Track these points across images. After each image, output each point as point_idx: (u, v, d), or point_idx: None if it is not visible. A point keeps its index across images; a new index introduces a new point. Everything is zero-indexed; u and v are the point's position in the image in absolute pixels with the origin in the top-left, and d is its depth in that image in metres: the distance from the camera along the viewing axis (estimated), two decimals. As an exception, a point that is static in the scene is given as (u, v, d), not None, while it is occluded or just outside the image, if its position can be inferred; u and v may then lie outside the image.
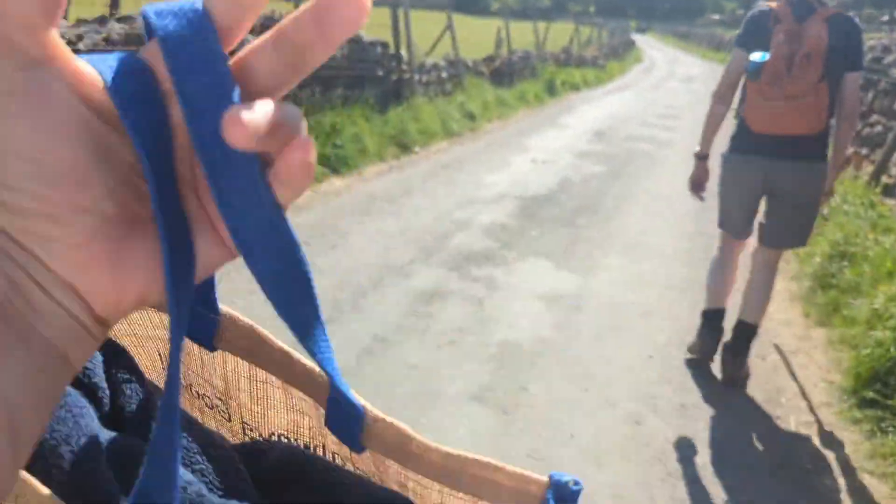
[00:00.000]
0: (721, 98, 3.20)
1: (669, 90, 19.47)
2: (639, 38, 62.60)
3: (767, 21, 2.94)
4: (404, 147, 8.17)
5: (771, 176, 3.05)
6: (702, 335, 3.47)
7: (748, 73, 2.95)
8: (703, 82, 23.23)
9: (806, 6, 2.89)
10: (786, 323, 4.09)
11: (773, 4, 2.97)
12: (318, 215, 5.50)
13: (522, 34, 17.38)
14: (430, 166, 7.69)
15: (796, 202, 3.08)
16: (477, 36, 19.00)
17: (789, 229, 3.18)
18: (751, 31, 3.03)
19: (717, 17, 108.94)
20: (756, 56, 2.90)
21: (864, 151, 5.98)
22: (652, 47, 51.29)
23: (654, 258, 5.17)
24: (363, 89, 8.04)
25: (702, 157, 3.30)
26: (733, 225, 3.27)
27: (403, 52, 9.00)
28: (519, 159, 8.47)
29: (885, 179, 5.02)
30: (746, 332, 3.29)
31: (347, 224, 5.35)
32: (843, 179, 5.50)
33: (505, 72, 13.78)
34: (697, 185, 3.36)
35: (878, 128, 5.79)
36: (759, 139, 2.99)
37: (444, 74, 10.82)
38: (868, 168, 5.50)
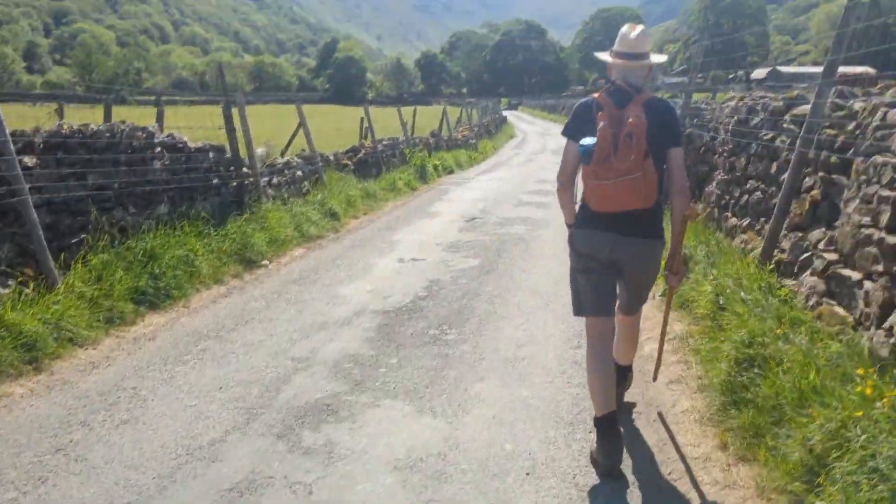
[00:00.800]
0: (563, 185, 3.48)
1: (541, 164, 19.48)
2: (511, 114, 64.88)
3: (591, 110, 3.21)
4: (249, 262, 7.11)
5: (614, 251, 3.23)
6: (602, 444, 3.18)
7: (581, 157, 3.13)
8: (575, 152, 23.70)
9: (623, 93, 3.19)
10: (702, 460, 3.28)
11: (596, 95, 3.27)
12: (116, 374, 4.33)
13: (395, 120, 16.92)
14: (279, 282, 6.66)
15: (637, 276, 3.34)
16: (353, 125, 18.44)
17: (634, 299, 3.47)
18: (578, 121, 3.30)
19: (580, 88, 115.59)
20: (585, 142, 3.10)
21: (746, 222, 5.47)
22: (523, 121, 53.08)
23: (535, 376, 4.33)
24: (194, 203, 6.99)
25: (570, 226, 3.52)
26: (586, 304, 3.40)
27: (244, 154, 8.06)
28: (384, 261, 7.59)
29: (777, 255, 4.44)
30: (622, 370, 3.71)
31: (152, 382, 4.20)
32: (732, 261, 4.94)
33: (371, 162, 13.09)
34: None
35: (757, 194, 5.31)
36: (599, 217, 3.20)
37: (299, 173, 9.94)
38: (757, 243, 4.95)
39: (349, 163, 12.29)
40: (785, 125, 5.03)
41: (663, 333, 3.80)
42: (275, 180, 9.09)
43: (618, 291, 3.46)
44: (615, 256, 3.24)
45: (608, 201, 3.10)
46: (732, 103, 6.87)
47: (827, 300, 3.61)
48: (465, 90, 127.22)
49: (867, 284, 3.21)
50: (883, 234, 3.11)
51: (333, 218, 9.69)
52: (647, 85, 3.45)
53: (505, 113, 60.13)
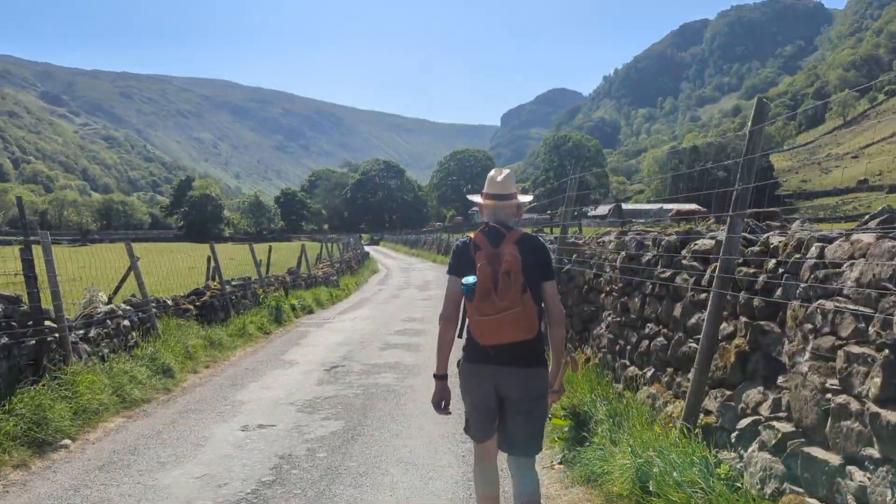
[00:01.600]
0: (447, 321, 3.48)
1: (408, 300, 18.74)
2: (373, 249, 64.95)
3: (469, 250, 3.38)
4: (43, 445, 5.51)
5: (499, 381, 3.34)
6: None
7: (465, 294, 3.26)
8: (441, 286, 23.21)
9: (497, 233, 3.40)
10: None
11: (472, 234, 3.46)
12: None
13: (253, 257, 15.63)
14: (79, 470, 5.13)
15: (522, 408, 3.37)
16: (202, 265, 16.90)
17: (524, 436, 3.40)
18: (458, 259, 3.45)
19: (439, 224, 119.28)
20: (467, 280, 3.26)
21: (650, 372, 4.76)
22: (386, 256, 53.00)
23: None
24: (-34, 370, 5.42)
25: (440, 378, 3.56)
26: (477, 430, 3.52)
27: (47, 304, 6.57)
28: (223, 430, 6.22)
29: (703, 418, 3.67)
30: None
31: None
32: (645, 422, 4.14)
33: (218, 305, 11.70)
34: (438, 404, 3.58)
35: (660, 340, 4.63)
36: (484, 349, 3.30)
37: (126, 322, 8.44)
38: (667, 397, 4.20)
39: (191, 307, 10.85)
40: (685, 262, 4.46)
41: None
42: (93, 333, 7.56)
43: (500, 426, 3.49)
44: (501, 387, 3.36)
45: (492, 335, 3.21)
46: (611, 237, 6.42)
47: (792, 487, 2.81)
48: (326, 226, 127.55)
49: (857, 474, 2.44)
50: (873, 407, 2.38)
51: (167, 375, 8.18)
52: (514, 221, 3.59)
53: (367, 248, 60.10)
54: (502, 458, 3.68)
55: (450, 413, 3.65)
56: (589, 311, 6.35)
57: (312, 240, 66.86)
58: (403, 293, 21.20)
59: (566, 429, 5.00)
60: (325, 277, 20.27)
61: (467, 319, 3.32)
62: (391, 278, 28.82)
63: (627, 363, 5.29)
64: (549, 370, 3.46)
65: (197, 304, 11.16)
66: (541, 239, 3.60)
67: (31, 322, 6.22)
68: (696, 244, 4.48)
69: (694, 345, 4.19)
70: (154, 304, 9.79)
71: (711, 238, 4.38)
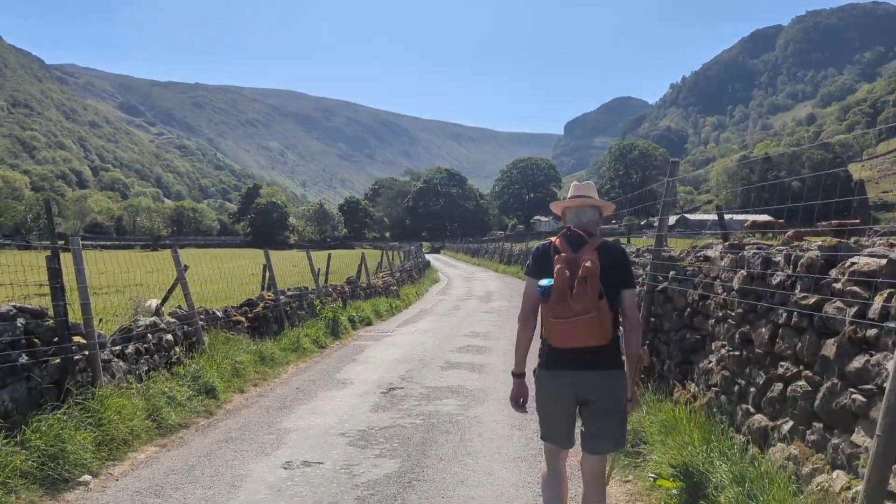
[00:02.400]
0: (525, 322, 3.58)
1: (469, 313, 17.84)
2: (434, 258, 64.36)
3: (549, 252, 3.49)
4: (59, 482, 4.83)
5: (578, 386, 3.38)
6: None
7: (540, 296, 3.36)
8: (504, 298, 22.21)
9: (579, 238, 3.46)
10: None
11: (554, 238, 3.56)
12: None
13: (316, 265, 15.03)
14: (94, 517, 4.41)
15: (604, 408, 3.40)
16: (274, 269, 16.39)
17: (604, 435, 3.44)
18: (538, 261, 3.54)
19: (501, 233, 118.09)
20: (543, 282, 3.33)
21: (787, 425, 3.71)
22: (448, 265, 52.25)
23: None
24: (-22, 393, 4.78)
25: (518, 376, 3.62)
26: (555, 437, 3.54)
27: (76, 318, 5.95)
28: (264, 466, 5.44)
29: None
30: None
31: None
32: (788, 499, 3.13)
33: (271, 318, 11.06)
34: (517, 401, 3.62)
35: (801, 384, 3.62)
36: (560, 353, 3.35)
37: (168, 337, 7.80)
38: (817, 461, 3.18)
39: (243, 319, 10.23)
40: (837, 285, 3.43)
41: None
42: (130, 349, 6.93)
43: (584, 429, 3.50)
44: (580, 392, 3.39)
45: (567, 338, 3.25)
46: (716, 251, 5.37)
47: None
48: (388, 234, 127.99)
49: None
50: None
51: (210, 395, 7.49)
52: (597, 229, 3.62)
53: (428, 257, 59.53)
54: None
55: (527, 412, 3.67)
56: (692, 340, 5.30)
57: (374, 247, 66.66)
58: (465, 305, 20.32)
59: (674, 492, 4.01)
60: (384, 287, 19.57)
61: (543, 325, 3.40)
62: (452, 288, 27.98)
63: (751, 409, 4.24)
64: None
65: (249, 315, 10.53)
66: (623, 248, 3.61)
67: (56, 339, 5.58)
68: (852, 263, 3.43)
69: (860, 396, 3.15)
70: (203, 316, 9.19)
71: (873, 255, 3.34)
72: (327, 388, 8.51)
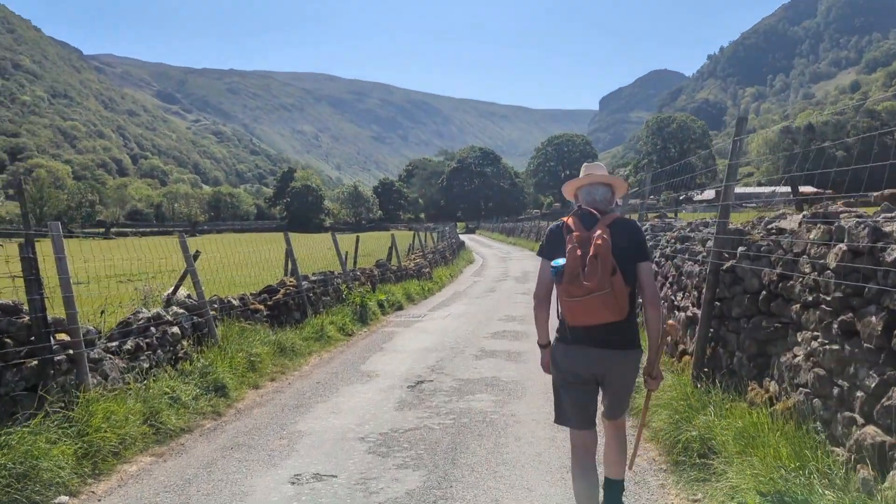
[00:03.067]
0: (540, 301, 3.64)
1: (505, 294, 17.02)
2: (469, 238, 63.55)
3: (562, 232, 3.50)
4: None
5: (592, 362, 3.42)
6: None
7: (553, 276, 3.40)
8: (540, 279, 21.33)
9: (591, 217, 3.48)
10: None
11: (566, 218, 3.56)
12: None
13: (348, 247, 14.30)
14: (61, 551, 3.74)
15: (616, 384, 3.50)
16: (308, 251, 15.81)
17: (616, 406, 3.59)
18: (551, 242, 3.58)
19: (536, 211, 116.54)
20: (556, 262, 3.37)
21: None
22: (482, 245, 51.39)
23: None
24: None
25: (544, 346, 3.72)
26: (574, 413, 3.54)
27: (56, 312, 5.29)
28: (269, 480, 4.73)
29: None
30: (615, 487, 3.64)
31: None
32: None
33: (293, 305, 10.38)
34: (547, 367, 3.71)
35: None
36: (576, 331, 3.39)
37: (174, 330, 7.14)
38: None
39: (261, 308, 9.55)
40: None
41: (641, 429, 4.02)
42: (129, 344, 6.27)
43: (601, 399, 3.60)
44: (594, 368, 3.44)
45: (581, 316, 3.26)
46: (791, 221, 4.45)
47: None
48: (422, 215, 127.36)
49: None
50: None
51: (219, 393, 6.83)
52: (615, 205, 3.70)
53: (463, 237, 58.73)
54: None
55: None
56: (770, 329, 4.39)
57: (410, 228, 65.88)
58: (501, 286, 19.49)
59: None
60: (416, 269, 18.82)
61: (558, 303, 3.38)
62: (487, 269, 27.16)
63: (859, 419, 3.36)
64: (647, 355, 3.59)
65: (269, 303, 9.86)
66: (636, 223, 3.77)
67: (31, 338, 4.92)
68: None
69: None
70: (217, 305, 8.54)
71: None
72: (350, 382, 7.79)
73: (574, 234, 3.35)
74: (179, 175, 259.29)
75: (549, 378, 3.77)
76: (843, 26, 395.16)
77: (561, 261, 3.32)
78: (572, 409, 3.52)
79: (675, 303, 6.58)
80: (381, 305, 13.61)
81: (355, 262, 16.03)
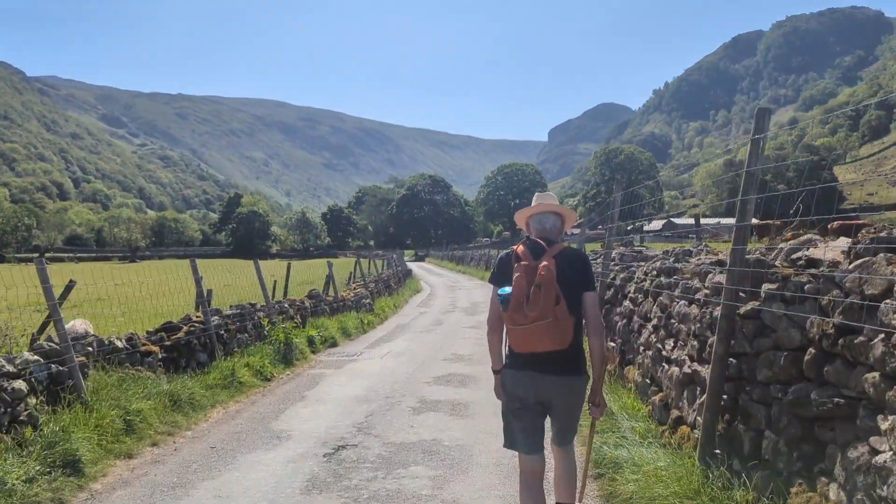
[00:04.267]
0: (492, 328, 3.71)
1: (452, 328, 15.53)
2: (418, 266, 62.06)
3: (510, 261, 3.58)
4: None
5: (538, 388, 3.49)
6: None
7: (500, 304, 3.48)
8: (491, 311, 19.91)
9: (538, 247, 3.59)
10: None
11: (517, 247, 3.65)
12: None
13: (304, 274, 12.62)
14: None
15: (562, 409, 3.58)
16: (250, 279, 14.09)
17: (563, 430, 3.67)
18: (500, 270, 3.66)
19: (487, 239, 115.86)
20: (503, 290, 3.46)
21: None
22: (431, 273, 49.93)
23: None
24: None
25: (497, 371, 3.74)
26: (524, 437, 3.60)
27: None
28: None
29: None
30: None
31: None
32: None
33: (197, 345, 8.71)
34: (500, 393, 3.76)
35: None
36: (522, 357, 3.47)
37: (15, 386, 5.44)
38: None
39: (155, 349, 7.86)
40: None
41: (588, 458, 4.25)
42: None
43: (551, 425, 3.69)
44: (540, 394, 3.51)
45: (526, 343, 3.37)
46: (833, 252, 3.13)
47: None
48: (372, 242, 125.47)
49: None
50: None
51: (69, 471, 5.15)
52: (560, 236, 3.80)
53: (411, 265, 57.20)
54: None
55: None
56: (828, 406, 3.03)
57: (358, 256, 64.51)
58: (448, 318, 18.01)
59: None
60: (356, 300, 17.20)
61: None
62: (435, 299, 25.67)
63: None
64: (591, 382, 3.67)
65: (166, 343, 8.18)
66: (583, 253, 3.90)
67: None
68: None
69: None
70: (92, 348, 6.85)
71: None
72: (253, 448, 6.19)
73: (522, 262, 3.45)
74: (123, 199, 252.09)
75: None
76: (781, 65, 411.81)
77: (508, 289, 3.41)
78: (521, 434, 3.59)
79: (664, 353, 5.21)
80: (311, 342, 11.98)
81: (285, 293, 14.38)
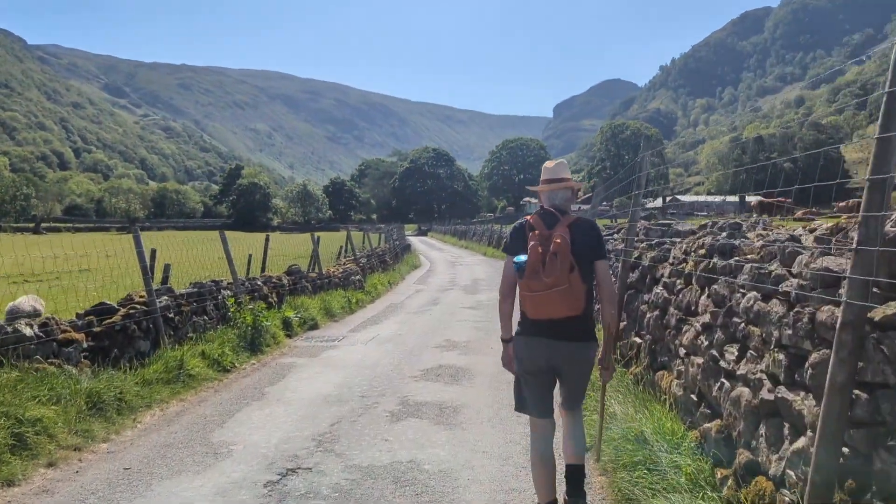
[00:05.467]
0: (504, 296, 3.82)
1: (449, 309, 14.11)
2: (419, 240, 60.63)
3: (525, 230, 3.69)
4: None
5: (551, 353, 3.58)
6: None
7: (515, 272, 3.60)
8: (493, 287, 18.41)
9: (552, 216, 3.69)
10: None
11: (530, 217, 3.75)
12: None
13: (301, 249, 11.11)
14: None
15: (572, 374, 3.67)
16: (247, 251, 12.68)
17: (572, 395, 3.75)
18: (514, 239, 3.76)
19: (490, 214, 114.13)
20: (519, 258, 3.58)
21: None
22: (433, 248, 48.49)
23: None
24: None
25: (506, 341, 3.83)
26: (534, 402, 3.71)
27: None
28: None
29: None
30: (576, 473, 3.68)
31: None
32: None
33: (136, 332, 7.30)
34: (509, 363, 3.83)
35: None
36: (536, 324, 3.56)
37: None
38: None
39: (78, 338, 6.45)
40: None
41: (602, 417, 4.56)
42: None
43: (560, 391, 3.77)
44: (552, 359, 3.59)
45: (540, 310, 3.46)
46: None
47: None
48: (374, 216, 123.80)
49: None
50: None
51: None
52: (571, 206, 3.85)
53: (412, 238, 55.77)
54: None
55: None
56: None
57: (360, 230, 62.93)
58: (445, 297, 16.59)
59: None
60: (343, 277, 15.76)
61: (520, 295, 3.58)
62: (434, 275, 24.25)
63: None
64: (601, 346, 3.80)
65: (96, 329, 6.76)
66: (595, 223, 3.85)
67: None
68: None
69: None
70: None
71: None
72: (179, 470, 4.81)
73: (535, 232, 3.55)
74: (125, 170, 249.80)
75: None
76: (789, 43, 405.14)
77: (523, 257, 3.51)
78: (532, 398, 3.69)
79: (722, 364, 3.77)
80: (287, 325, 10.59)
81: (263, 268, 12.96)
